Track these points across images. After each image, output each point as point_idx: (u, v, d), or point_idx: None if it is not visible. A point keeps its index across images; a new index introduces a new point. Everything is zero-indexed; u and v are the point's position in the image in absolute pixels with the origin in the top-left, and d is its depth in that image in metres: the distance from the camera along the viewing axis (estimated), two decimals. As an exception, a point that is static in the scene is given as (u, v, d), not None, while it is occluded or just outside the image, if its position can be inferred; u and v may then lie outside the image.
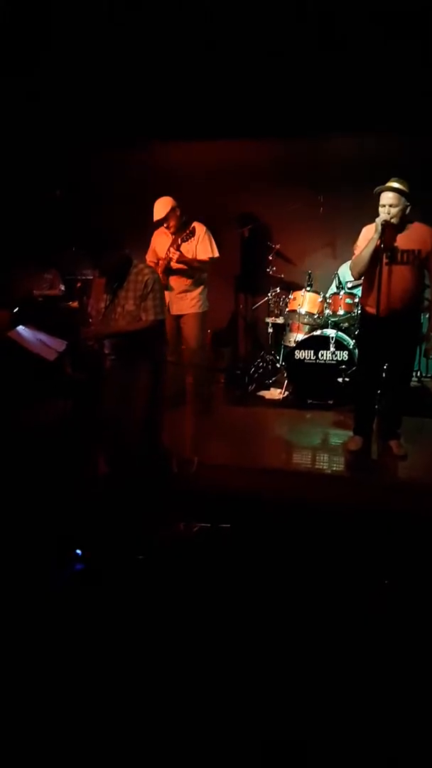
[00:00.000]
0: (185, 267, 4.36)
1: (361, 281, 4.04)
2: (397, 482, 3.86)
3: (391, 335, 3.79)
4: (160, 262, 4.37)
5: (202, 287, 4.50)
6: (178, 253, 4.31)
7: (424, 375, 5.68)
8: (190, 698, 1.99)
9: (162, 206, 4.39)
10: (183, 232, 4.38)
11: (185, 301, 4.44)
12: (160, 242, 4.49)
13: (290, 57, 5.16)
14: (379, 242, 3.62)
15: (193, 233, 4.36)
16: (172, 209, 4.38)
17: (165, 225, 4.44)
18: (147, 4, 4.88)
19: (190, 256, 4.38)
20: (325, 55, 5.09)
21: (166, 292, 4.06)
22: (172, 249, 4.33)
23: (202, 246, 4.37)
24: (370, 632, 2.26)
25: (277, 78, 5.34)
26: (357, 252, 3.80)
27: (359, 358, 4.62)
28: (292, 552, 2.76)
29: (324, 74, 5.23)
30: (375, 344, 3.90)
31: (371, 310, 3.80)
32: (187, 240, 4.37)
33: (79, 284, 6.02)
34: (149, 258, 4.56)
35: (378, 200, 3.69)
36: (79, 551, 2.65)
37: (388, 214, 3.62)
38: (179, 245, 4.37)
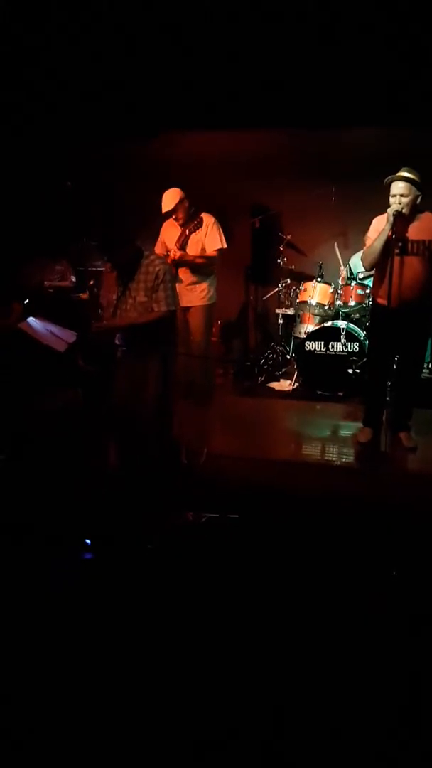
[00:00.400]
0: (191, 260, 4.33)
1: (372, 272, 4.02)
2: (406, 474, 3.86)
3: (402, 327, 3.77)
4: (170, 253, 4.36)
5: (210, 280, 4.48)
6: (180, 252, 4.28)
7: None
8: (194, 689, 2.00)
9: (170, 198, 4.35)
10: (191, 223, 4.36)
11: (194, 293, 4.43)
12: (170, 234, 4.47)
13: (302, 47, 5.10)
14: (390, 233, 3.59)
15: (201, 224, 4.33)
16: (181, 201, 4.35)
17: (174, 217, 4.42)
18: None
19: (198, 247, 4.35)
20: (337, 47, 5.04)
21: (176, 284, 4.05)
22: (175, 248, 4.30)
23: (210, 237, 4.34)
24: (375, 626, 2.27)
25: (288, 68, 5.29)
26: (368, 243, 3.78)
27: (369, 350, 4.61)
28: (301, 543, 2.77)
29: (336, 65, 5.18)
30: (385, 336, 3.89)
31: (382, 301, 3.78)
32: (195, 231, 4.35)
33: (90, 276, 6.03)
34: (159, 250, 4.55)
35: (388, 190, 3.67)
36: (88, 540, 2.67)
37: (399, 204, 3.59)
38: (187, 238, 4.34)
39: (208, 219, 4.37)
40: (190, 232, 4.34)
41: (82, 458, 3.49)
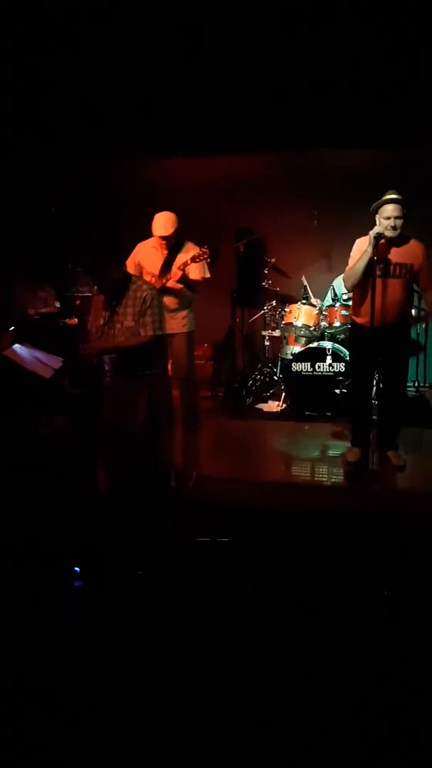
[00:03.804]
0: (180, 287, 4.30)
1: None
2: (396, 492, 3.86)
3: (383, 346, 3.82)
4: (155, 279, 4.31)
5: (189, 308, 4.46)
6: (181, 273, 4.21)
7: (422, 385, 5.70)
8: (187, 712, 1.98)
9: (169, 222, 4.27)
10: (177, 250, 4.33)
11: (175, 320, 4.39)
12: (149, 258, 4.40)
13: (285, 70, 5.21)
14: (372, 254, 3.65)
15: (185, 251, 4.30)
16: (177, 227, 4.28)
17: (163, 242, 4.34)
18: (144, 20, 4.92)
19: (181, 275, 4.27)
20: (319, 69, 5.15)
21: None
22: (176, 270, 4.24)
23: (195, 266, 4.27)
24: (369, 642, 2.26)
25: (272, 92, 5.40)
26: (351, 264, 3.83)
27: (351, 369, 4.65)
28: (292, 564, 2.76)
29: (318, 89, 5.30)
30: (366, 355, 3.94)
31: (361, 321, 3.85)
32: (179, 258, 4.29)
33: (77, 301, 6.04)
34: (131, 271, 4.47)
35: (374, 214, 3.73)
36: (77, 568, 2.64)
37: (394, 227, 3.64)
38: (171, 265, 4.28)
39: (193, 249, 4.32)
40: (174, 259, 4.30)
41: (71, 484, 3.46)
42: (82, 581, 2.63)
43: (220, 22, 4.87)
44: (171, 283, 4.22)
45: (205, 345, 6.21)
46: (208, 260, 4.23)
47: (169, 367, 4.53)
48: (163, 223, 4.27)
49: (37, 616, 2.38)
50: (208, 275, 4.35)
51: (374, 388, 4.18)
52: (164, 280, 4.22)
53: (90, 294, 5.40)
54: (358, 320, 3.92)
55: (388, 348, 3.85)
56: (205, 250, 4.18)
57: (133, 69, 5.31)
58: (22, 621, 2.35)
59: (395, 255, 3.73)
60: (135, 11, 4.80)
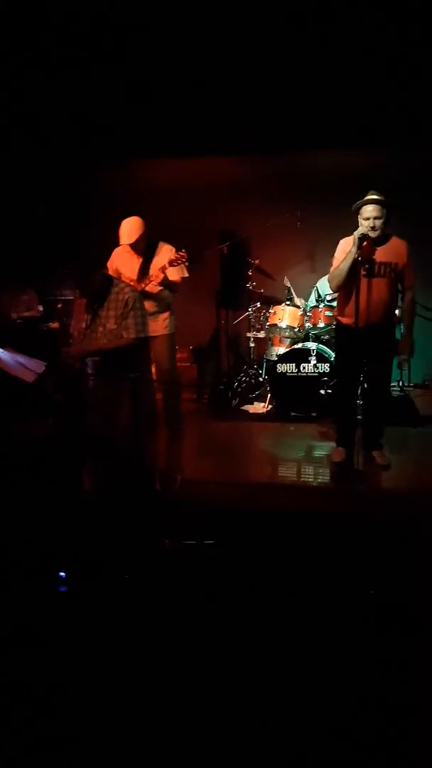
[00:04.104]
0: (160, 289, 4.25)
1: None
2: (381, 492, 3.87)
3: (368, 346, 3.83)
4: (134, 284, 4.23)
5: (169, 310, 4.42)
6: (151, 284, 4.14)
7: (406, 384, 5.73)
8: (174, 718, 1.96)
9: (134, 228, 4.15)
10: (151, 253, 4.24)
11: (157, 323, 4.35)
12: (126, 263, 4.30)
13: (266, 73, 5.23)
14: (357, 255, 3.66)
15: (161, 254, 4.23)
16: (143, 232, 4.16)
17: (133, 247, 4.23)
18: (133, 24, 4.91)
19: (161, 277, 4.18)
20: (300, 72, 5.17)
21: None
22: (157, 272, 4.19)
23: (173, 269, 4.17)
24: (358, 643, 2.26)
25: (253, 94, 5.41)
26: (335, 264, 3.84)
27: (336, 370, 4.67)
28: (279, 565, 2.75)
29: (300, 91, 5.32)
30: (351, 355, 3.95)
31: (346, 321, 3.86)
32: (155, 261, 4.22)
33: (59, 305, 6.01)
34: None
35: (356, 214, 3.74)
36: (62, 573, 2.62)
37: (373, 227, 3.65)
38: (147, 269, 4.21)
39: (167, 249, 4.26)
40: (150, 262, 4.22)
41: (56, 488, 3.43)
42: (67, 586, 2.61)
43: (203, 26, 4.88)
44: (151, 287, 4.18)
45: (190, 347, 6.20)
46: (186, 263, 4.19)
47: (153, 369, 4.51)
48: (128, 230, 4.14)
49: (23, 621, 2.35)
50: (186, 275, 4.29)
51: (359, 387, 4.19)
52: (143, 284, 4.19)
53: (72, 297, 5.37)
54: (344, 320, 3.92)
55: (372, 347, 3.86)
56: (182, 254, 4.13)
57: (119, 70, 5.30)
58: (7, 626, 2.33)
59: (380, 254, 3.74)
60: (126, 16, 4.80)
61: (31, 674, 2.14)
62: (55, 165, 6.07)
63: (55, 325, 5.79)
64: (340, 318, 4.01)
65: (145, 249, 4.25)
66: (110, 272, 4.23)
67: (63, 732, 1.93)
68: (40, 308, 5.97)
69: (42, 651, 2.22)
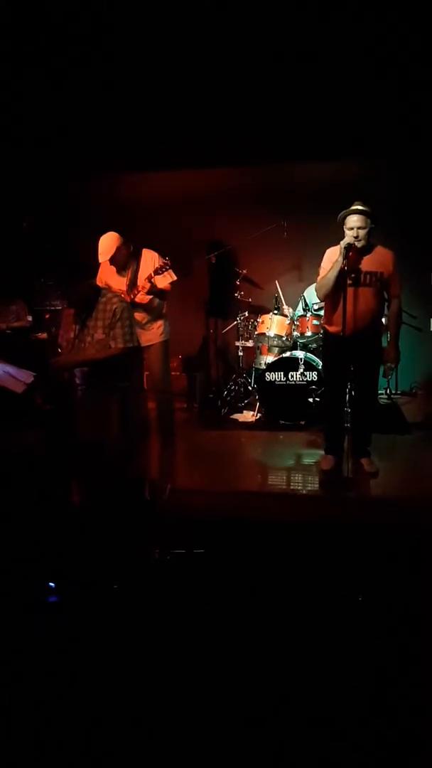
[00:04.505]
0: (149, 298, 4.26)
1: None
2: (369, 499, 3.90)
3: (355, 355, 3.87)
4: (124, 295, 4.23)
5: (162, 317, 4.44)
6: (149, 285, 4.16)
7: (394, 392, 5.78)
8: (165, 727, 1.97)
9: (109, 245, 4.08)
10: (134, 263, 4.24)
11: (151, 331, 4.37)
12: (111, 275, 4.30)
13: (252, 85, 5.29)
14: (343, 264, 3.70)
15: (145, 262, 4.24)
16: (118, 247, 4.11)
17: (111, 262, 4.20)
18: (120, 34, 4.95)
19: (148, 285, 4.20)
20: (286, 83, 5.24)
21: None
22: (144, 282, 4.16)
23: (160, 276, 4.18)
24: (350, 648, 2.27)
25: (240, 107, 5.48)
26: (322, 274, 3.88)
27: (324, 378, 4.70)
28: (269, 574, 2.76)
29: (286, 102, 5.38)
30: (338, 364, 3.99)
31: (333, 329, 3.90)
32: (140, 270, 4.24)
33: (47, 315, 6.00)
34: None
35: (342, 224, 3.79)
36: (52, 584, 2.61)
37: (356, 237, 3.70)
38: (134, 280, 4.23)
39: (150, 255, 4.26)
40: (137, 272, 4.23)
41: (45, 499, 3.43)
42: (57, 597, 2.60)
43: (193, 40, 4.93)
44: (140, 297, 4.20)
45: (180, 356, 6.22)
46: (170, 269, 4.21)
47: (145, 379, 4.52)
48: (103, 248, 4.10)
49: (13, 633, 2.35)
50: (174, 278, 4.28)
51: (347, 396, 4.22)
52: (132, 295, 4.20)
53: (60, 308, 5.37)
54: (331, 329, 3.97)
55: (359, 356, 3.89)
56: (166, 261, 4.14)
57: (104, 84, 5.35)
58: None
59: (366, 264, 3.79)
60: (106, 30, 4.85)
61: (21, 683, 2.13)
62: (41, 177, 6.09)
63: (43, 335, 5.79)
64: (327, 327, 4.05)
65: (127, 261, 4.25)
66: (100, 284, 4.24)
67: (56, 740, 1.92)
68: (30, 318, 5.96)
69: (31, 661, 2.22)
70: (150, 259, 4.26)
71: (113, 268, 4.30)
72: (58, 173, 6.12)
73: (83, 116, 5.63)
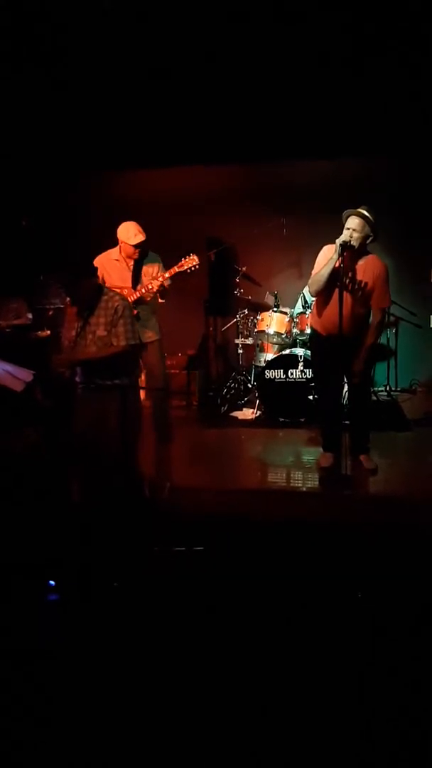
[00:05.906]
0: (153, 294, 4.29)
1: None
2: (368, 496, 3.91)
3: (344, 353, 3.85)
4: (128, 291, 4.26)
5: (155, 316, 4.48)
6: (149, 289, 4.20)
7: (393, 389, 5.79)
8: (161, 728, 1.98)
9: (140, 228, 4.24)
10: (144, 258, 4.33)
11: (150, 328, 4.41)
12: (113, 270, 4.34)
13: (251, 83, 5.29)
14: (338, 262, 3.70)
15: (151, 259, 4.33)
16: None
17: (134, 252, 4.29)
18: (119, 33, 4.95)
19: (156, 282, 4.27)
20: (285, 82, 5.24)
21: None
22: (163, 276, 4.22)
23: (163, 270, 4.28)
24: (347, 648, 2.29)
25: (240, 104, 5.47)
26: (316, 270, 3.88)
27: (315, 375, 4.70)
28: (269, 571, 2.78)
29: (286, 101, 5.38)
30: (326, 361, 3.99)
31: (319, 327, 3.91)
32: (148, 267, 4.32)
33: (50, 313, 6.00)
34: None
35: (343, 221, 3.79)
36: (52, 582, 2.63)
37: (350, 237, 3.71)
38: (140, 275, 4.29)
39: (153, 255, 4.36)
40: (141, 268, 4.29)
41: (45, 497, 3.44)
42: (57, 595, 2.62)
43: (189, 38, 4.93)
44: (147, 293, 4.22)
45: (179, 354, 6.23)
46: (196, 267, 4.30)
47: (143, 377, 4.53)
48: (135, 230, 4.22)
49: (14, 632, 2.36)
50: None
51: (342, 392, 4.23)
52: (139, 291, 4.22)
53: (62, 305, 5.38)
54: (318, 328, 3.98)
55: (348, 356, 3.88)
56: (193, 258, 4.26)
57: (102, 83, 5.35)
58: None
59: (357, 270, 3.80)
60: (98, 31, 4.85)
61: (22, 682, 2.15)
62: (41, 176, 6.10)
63: (45, 333, 5.79)
64: (313, 325, 4.06)
65: (142, 254, 4.31)
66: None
67: (55, 740, 1.94)
68: (30, 316, 5.96)
69: (32, 658, 2.24)
70: (153, 258, 4.33)
71: (114, 264, 4.34)
72: (57, 172, 6.12)
73: (84, 114, 5.63)
